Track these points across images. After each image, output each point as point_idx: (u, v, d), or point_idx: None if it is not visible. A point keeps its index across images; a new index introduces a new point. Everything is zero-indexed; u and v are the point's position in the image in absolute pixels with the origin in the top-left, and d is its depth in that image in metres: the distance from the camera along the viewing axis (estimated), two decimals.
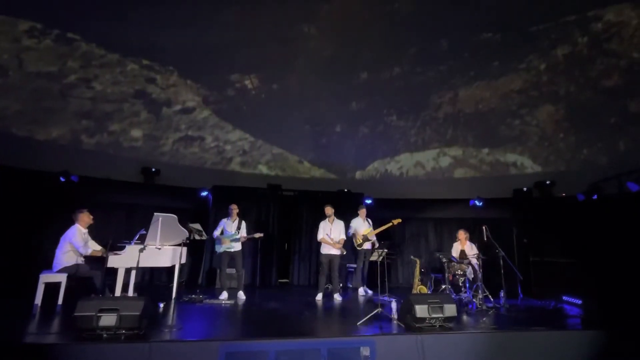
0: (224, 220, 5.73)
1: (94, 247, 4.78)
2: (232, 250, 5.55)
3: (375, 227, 6.26)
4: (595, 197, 6.65)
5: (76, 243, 4.61)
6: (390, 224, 6.16)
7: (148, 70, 7.36)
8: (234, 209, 5.71)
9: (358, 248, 6.16)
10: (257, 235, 5.70)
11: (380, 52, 7.47)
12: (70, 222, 4.77)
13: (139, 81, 7.34)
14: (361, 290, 6.21)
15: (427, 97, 8.16)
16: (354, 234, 6.21)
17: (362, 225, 6.22)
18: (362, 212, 6.30)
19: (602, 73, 6.96)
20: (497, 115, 7.97)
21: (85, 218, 4.82)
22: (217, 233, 5.64)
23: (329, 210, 5.87)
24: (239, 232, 5.58)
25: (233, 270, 5.87)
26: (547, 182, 7.38)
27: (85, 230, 4.82)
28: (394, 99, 8.16)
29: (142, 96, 7.42)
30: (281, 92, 7.02)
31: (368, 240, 6.12)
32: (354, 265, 6.87)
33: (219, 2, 6.85)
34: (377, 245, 6.01)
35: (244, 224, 5.71)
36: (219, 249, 5.58)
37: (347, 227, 6.10)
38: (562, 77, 7.32)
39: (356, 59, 6.94)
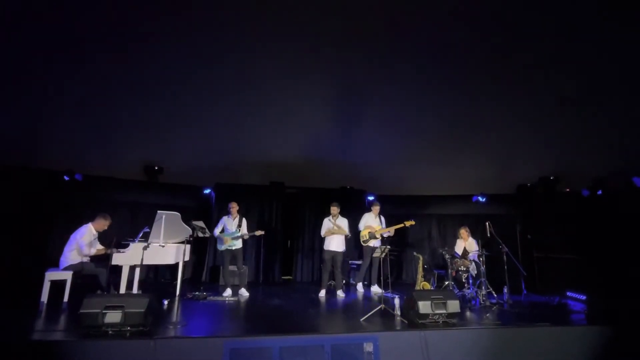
0: (225, 218, 5.72)
1: (97, 248, 4.84)
2: (234, 248, 5.56)
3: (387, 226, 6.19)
4: (600, 192, 6.60)
5: (82, 242, 4.66)
6: (402, 224, 6.10)
7: None
8: (234, 206, 5.70)
9: (363, 244, 6.14)
10: (258, 232, 5.70)
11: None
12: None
13: None
14: (359, 287, 6.21)
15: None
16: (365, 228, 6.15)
17: (374, 222, 6.20)
18: (376, 209, 6.26)
19: None
20: None
21: (102, 223, 4.88)
22: (217, 231, 5.64)
23: (334, 210, 5.83)
24: (239, 230, 5.60)
25: (235, 267, 5.91)
26: (551, 178, 7.31)
27: (96, 233, 4.88)
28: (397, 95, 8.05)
29: None
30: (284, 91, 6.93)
31: (375, 238, 6.08)
32: (357, 262, 6.87)
33: None
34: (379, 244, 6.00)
35: (244, 221, 5.71)
36: (221, 247, 5.61)
37: (351, 224, 6.05)
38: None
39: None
